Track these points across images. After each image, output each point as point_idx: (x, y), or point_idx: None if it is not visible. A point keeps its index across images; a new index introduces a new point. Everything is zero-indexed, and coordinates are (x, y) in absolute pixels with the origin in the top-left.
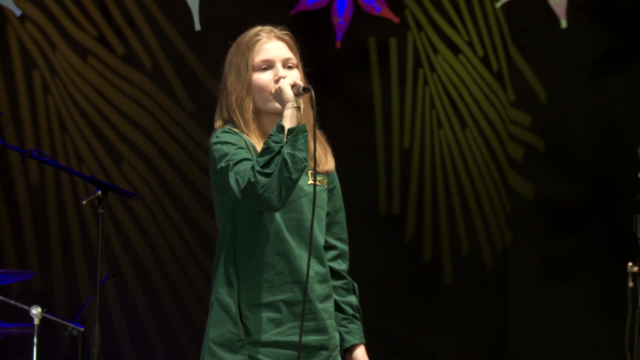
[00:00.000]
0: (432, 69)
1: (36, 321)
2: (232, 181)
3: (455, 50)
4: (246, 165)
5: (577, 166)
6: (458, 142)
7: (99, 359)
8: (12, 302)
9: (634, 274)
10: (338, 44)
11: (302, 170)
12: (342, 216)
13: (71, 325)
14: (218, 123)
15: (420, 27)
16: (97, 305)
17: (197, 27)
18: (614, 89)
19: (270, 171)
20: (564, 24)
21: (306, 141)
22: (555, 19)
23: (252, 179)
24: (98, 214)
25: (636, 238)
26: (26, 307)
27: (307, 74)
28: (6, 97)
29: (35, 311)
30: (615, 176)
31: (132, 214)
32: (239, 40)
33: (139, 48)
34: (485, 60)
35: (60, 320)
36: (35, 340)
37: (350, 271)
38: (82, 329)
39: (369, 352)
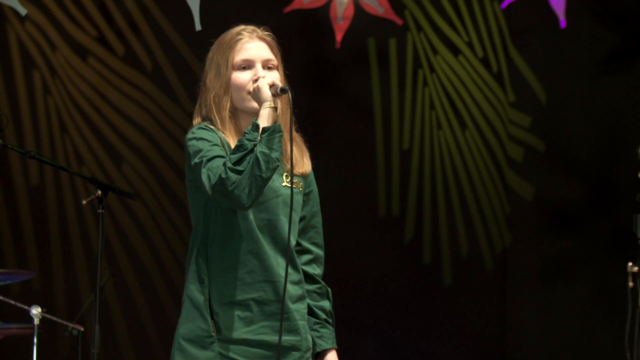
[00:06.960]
0: (432, 69)
1: (36, 321)
2: (204, 177)
3: (455, 50)
4: (219, 162)
5: (577, 167)
6: (457, 143)
7: (99, 359)
8: (12, 302)
9: (634, 274)
10: (338, 44)
11: (274, 170)
12: (318, 221)
13: (71, 325)
14: (196, 120)
15: (420, 28)
16: (97, 305)
17: (198, 27)
18: (615, 89)
19: (242, 169)
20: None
21: (280, 141)
22: (555, 18)
23: (223, 175)
24: (98, 214)
25: (636, 238)
26: (26, 307)
27: (307, 74)
28: (6, 97)
29: (35, 311)
30: (615, 176)
31: (132, 214)
32: (221, 38)
33: (139, 48)
34: (485, 61)
35: (60, 321)
36: (35, 340)
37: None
38: (82, 329)
39: (368, 352)
